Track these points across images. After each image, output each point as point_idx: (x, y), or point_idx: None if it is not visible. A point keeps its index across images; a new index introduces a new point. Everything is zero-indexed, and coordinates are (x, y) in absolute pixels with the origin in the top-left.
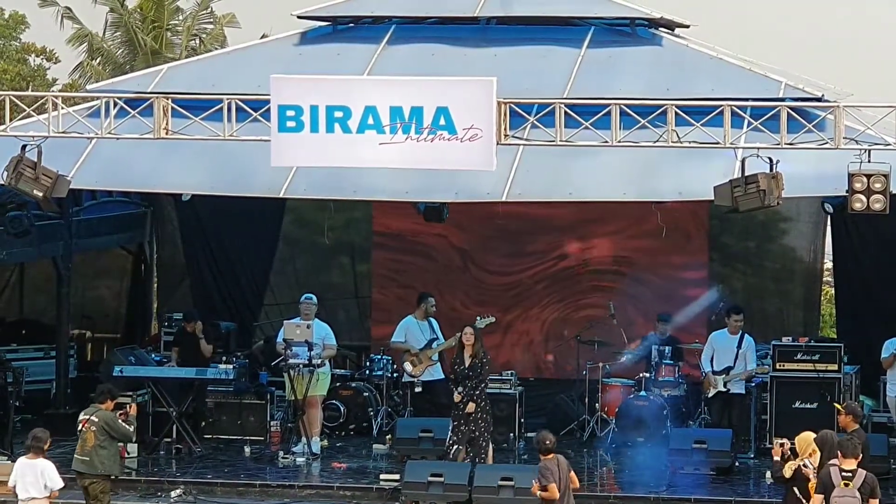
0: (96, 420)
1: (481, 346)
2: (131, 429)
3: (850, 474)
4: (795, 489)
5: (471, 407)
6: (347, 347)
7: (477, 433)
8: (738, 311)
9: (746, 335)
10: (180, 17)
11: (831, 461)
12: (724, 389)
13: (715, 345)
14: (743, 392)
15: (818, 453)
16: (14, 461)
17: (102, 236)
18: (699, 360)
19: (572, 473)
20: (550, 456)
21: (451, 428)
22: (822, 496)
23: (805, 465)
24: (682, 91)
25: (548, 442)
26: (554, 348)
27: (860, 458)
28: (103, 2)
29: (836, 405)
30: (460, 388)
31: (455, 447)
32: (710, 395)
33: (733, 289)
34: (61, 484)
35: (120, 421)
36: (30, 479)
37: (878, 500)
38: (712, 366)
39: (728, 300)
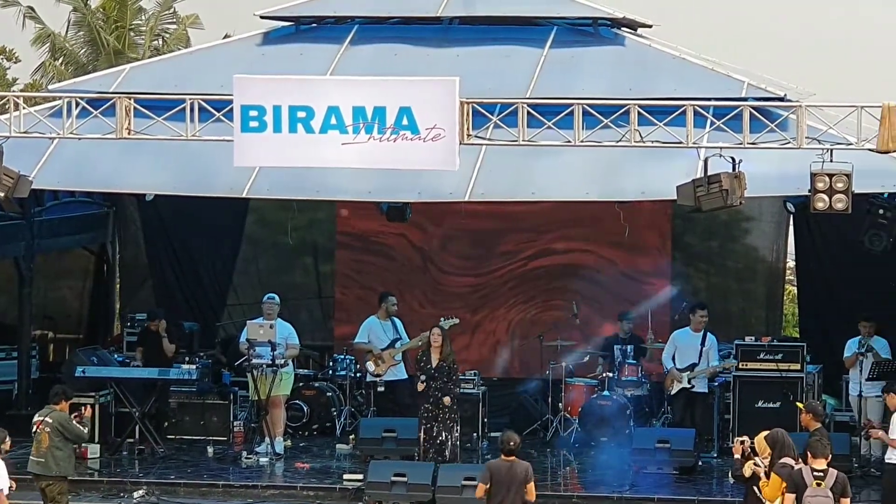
0: (50, 421)
1: (450, 349)
2: (85, 430)
3: (821, 474)
4: (755, 488)
5: (447, 400)
6: (310, 347)
7: (445, 434)
8: (704, 308)
9: (709, 333)
10: (143, 18)
11: (782, 460)
12: (689, 386)
13: (677, 343)
14: (706, 391)
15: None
16: None
17: (64, 237)
18: (660, 357)
19: (530, 485)
20: (511, 458)
21: (421, 429)
22: (793, 496)
23: (756, 465)
24: (644, 91)
25: (511, 444)
26: (518, 348)
27: (830, 457)
28: (66, 1)
29: (798, 404)
30: (423, 377)
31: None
32: (672, 391)
33: (696, 288)
34: (8, 484)
35: (74, 422)
36: None
37: (848, 500)
38: (675, 363)
39: (691, 299)
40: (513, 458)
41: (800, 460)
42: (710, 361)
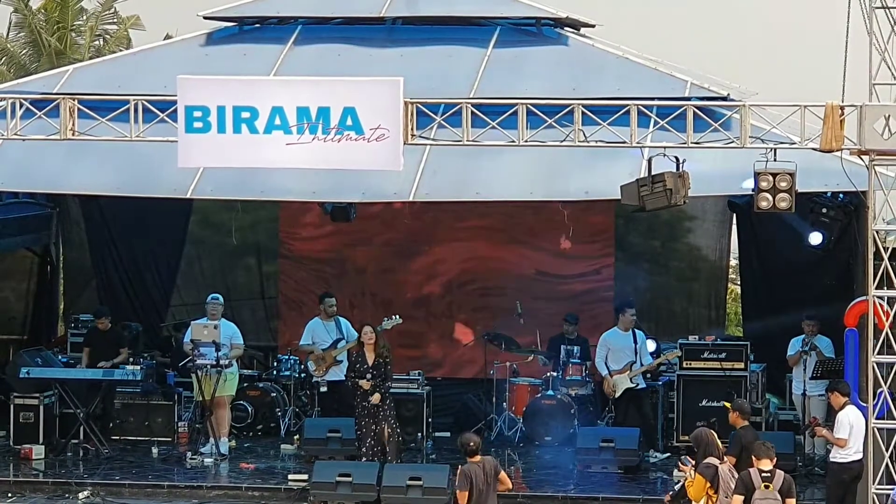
0: None
1: (385, 345)
2: None
3: (769, 475)
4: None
5: (376, 398)
6: (254, 348)
7: (385, 430)
8: (632, 306)
9: (637, 330)
10: (84, 18)
11: (707, 459)
12: (633, 385)
13: (610, 344)
14: (646, 386)
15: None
16: None
17: (7, 238)
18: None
19: (503, 474)
20: (477, 458)
21: (357, 426)
22: (742, 497)
23: (683, 463)
24: (588, 90)
25: (472, 444)
26: (462, 347)
27: (775, 458)
28: (6, 2)
29: (725, 403)
30: (369, 376)
31: (367, 445)
32: (617, 394)
33: (638, 288)
34: None
35: None
36: None
37: (794, 500)
38: (609, 365)
39: (636, 297)
40: (478, 457)
41: (726, 459)
42: (642, 358)
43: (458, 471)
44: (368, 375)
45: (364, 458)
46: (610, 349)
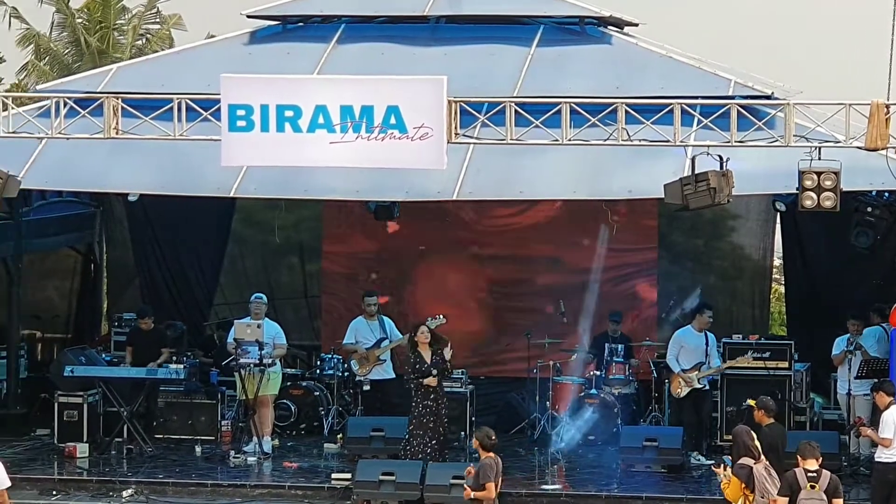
0: None
1: (443, 344)
2: None
3: (815, 475)
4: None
5: (432, 380)
6: (297, 347)
7: (440, 429)
8: (710, 308)
9: (709, 332)
10: (126, 17)
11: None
12: (700, 385)
13: (683, 342)
14: (708, 388)
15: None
16: None
17: (52, 237)
18: (650, 357)
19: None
20: (491, 454)
21: (415, 425)
22: (786, 499)
23: (716, 465)
24: (631, 89)
25: (493, 437)
26: (506, 346)
27: (821, 458)
28: (49, 2)
29: (749, 401)
30: (435, 372)
31: (430, 445)
32: (683, 393)
33: (681, 287)
34: (8, 483)
35: None
36: None
37: (841, 500)
38: (679, 363)
39: (680, 298)
40: (491, 453)
41: (762, 459)
42: (712, 360)
43: (483, 463)
44: (434, 371)
45: (416, 458)
46: (682, 347)
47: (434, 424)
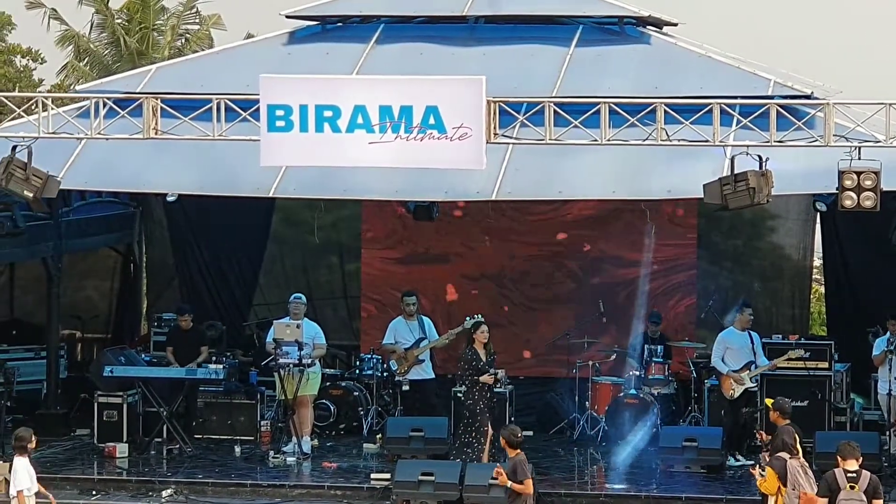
0: None
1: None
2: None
3: (854, 475)
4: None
5: (488, 378)
6: (337, 347)
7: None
8: (750, 305)
9: (751, 331)
10: (165, 17)
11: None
12: (752, 385)
13: (729, 343)
14: (758, 388)
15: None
16: (6, 461)
17: (91, 237)
18: (688, 356)
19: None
20: (518, 451)
21: (472, 427)
22: (826, 499)
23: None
24: (670, 89)
25: (519, 435)
26: (545, 346)
27: (861, 458)
28: (88, 3)
29: (767, 401)
30: (492, 370)
31: (485, 448)
32: (736, 394)
33: (721, 287)
34: (28, 485)
35: None
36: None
37: (881, 501)
38: (727, 364)
39: (717, 298)
40: (518, 450)
41: (800, 456)
42: (758, 359)
43: (517, 460)
44: (492, 370)
45: (471, 460)
46: (728, 348)
47: (489, 425)
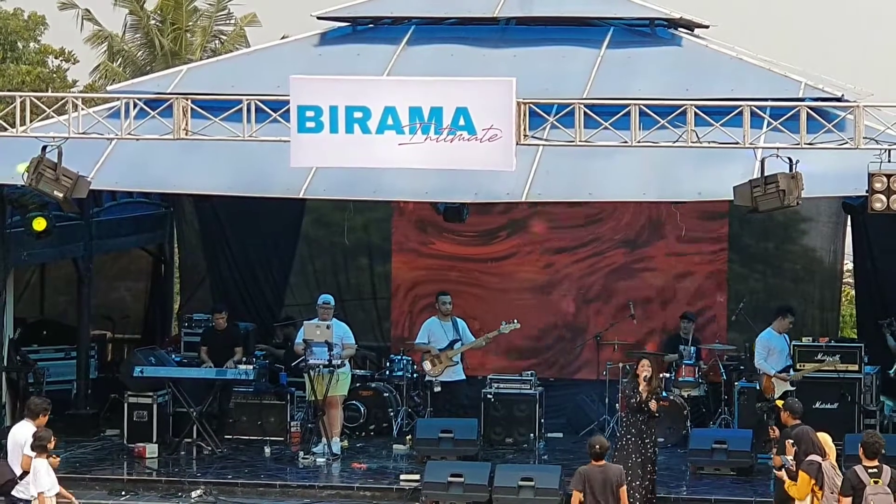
0: None
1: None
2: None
3: (876, 470)
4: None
5: (653, 405)
6: (367, 348)
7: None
8: (793, 313)
9: (786, 335)
10: (196, 18)
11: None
12: (792, 388)
13: (771, 346)
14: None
15: (833, 453)
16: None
17: (122, 237)
18: (718, 360)
19: (622, 489)
20: (601, 463)
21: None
22: (849, 498)
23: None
24: (701, 91)
25: (597, 447)
26: (578, 347)
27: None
28: (122, 4)
29: (777, 402)
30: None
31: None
32: (776, 397)
33: (753, 290)
34: (48, 486)
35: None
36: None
37: None
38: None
39: (748, 301)
40: (603, 462)
41: (828, 456)
42: (796, 364)
43: (577, 470)
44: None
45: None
46: (770, 350)
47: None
